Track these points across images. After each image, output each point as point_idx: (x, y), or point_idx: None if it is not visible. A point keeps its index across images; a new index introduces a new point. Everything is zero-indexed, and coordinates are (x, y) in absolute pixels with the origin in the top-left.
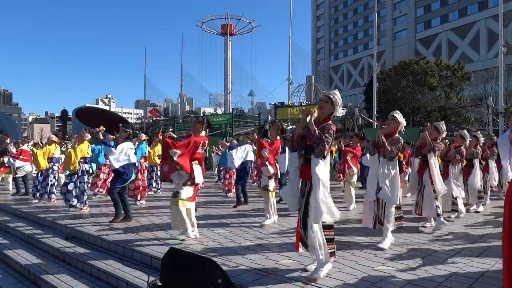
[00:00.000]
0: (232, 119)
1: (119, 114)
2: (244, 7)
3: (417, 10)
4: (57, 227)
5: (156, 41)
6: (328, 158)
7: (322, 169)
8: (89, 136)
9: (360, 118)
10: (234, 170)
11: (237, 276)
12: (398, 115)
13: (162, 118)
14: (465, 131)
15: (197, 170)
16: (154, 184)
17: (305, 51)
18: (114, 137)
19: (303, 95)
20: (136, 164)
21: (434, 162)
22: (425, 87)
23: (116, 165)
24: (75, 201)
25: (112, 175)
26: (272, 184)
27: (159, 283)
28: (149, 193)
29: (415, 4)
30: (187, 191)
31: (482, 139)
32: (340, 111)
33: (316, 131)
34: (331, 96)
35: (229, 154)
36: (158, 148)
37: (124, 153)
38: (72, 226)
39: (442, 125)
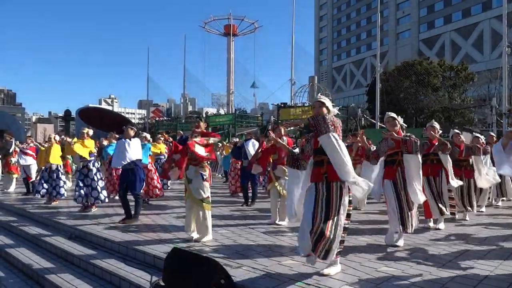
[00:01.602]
0: (235, 119)
1: (122, 114)
2: (246, 8)
3: (420, 11)
4: (60, 226)
5: (159, 41)
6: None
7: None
8: (91, 132)
9: (362, 118)
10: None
11: (239, 277)
12: (394, 114)
13: (165, 118)
14: (456, 130)
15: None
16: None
17: (308, 52)
18: (118, 136)
19: (306, 95)
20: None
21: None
22: (428, 87)
23: (128, 159)
24: (92, 199)
25: (127, 177)
26: None
27: (162, 283)
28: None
29: (418, 5)
30: (209, 192)
31: (482, 137)
32: (335, 110)
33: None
34: (322, 100)
35: (246, 145)
36: (162, 147)
37: (138, 148)
38: (75, 226)
39: (435, 123)
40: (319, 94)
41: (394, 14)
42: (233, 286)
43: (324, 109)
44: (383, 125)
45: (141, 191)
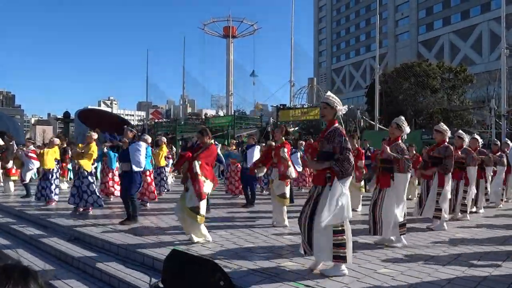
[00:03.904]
0: (234, 121)
1: (121, 116)
2: (246, 10)
3: (419, 13)
4: (59, 228)
5: (159, 43)
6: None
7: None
8: (96, 136)
9: (362, 120)
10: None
11: (239, 278)
12: (402, 123)
13: (164, 120)
14: (461, 131)
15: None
16: (164, 185)
17: (307, 53)
18: (119, 139)
19: (305, 97)
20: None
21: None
22: (427, 89)
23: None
24: (87, 202)
25: (126, 179)
26: (287, 190)
27: (161, 285)
28: (159, 196)
29: (417, 7)
30: (204, 205)
31: (481, 141)
32: (342, 109)
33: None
34: (327, 101)
35: (249, 152)
36: (164, 150)
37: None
38: (74, 227)
39: (442, 126)
40: (328, 92)
41: (393, 16)
42: (233, 287)
43: (329, 110)
44: (382, 127)
45: (137, 193)
